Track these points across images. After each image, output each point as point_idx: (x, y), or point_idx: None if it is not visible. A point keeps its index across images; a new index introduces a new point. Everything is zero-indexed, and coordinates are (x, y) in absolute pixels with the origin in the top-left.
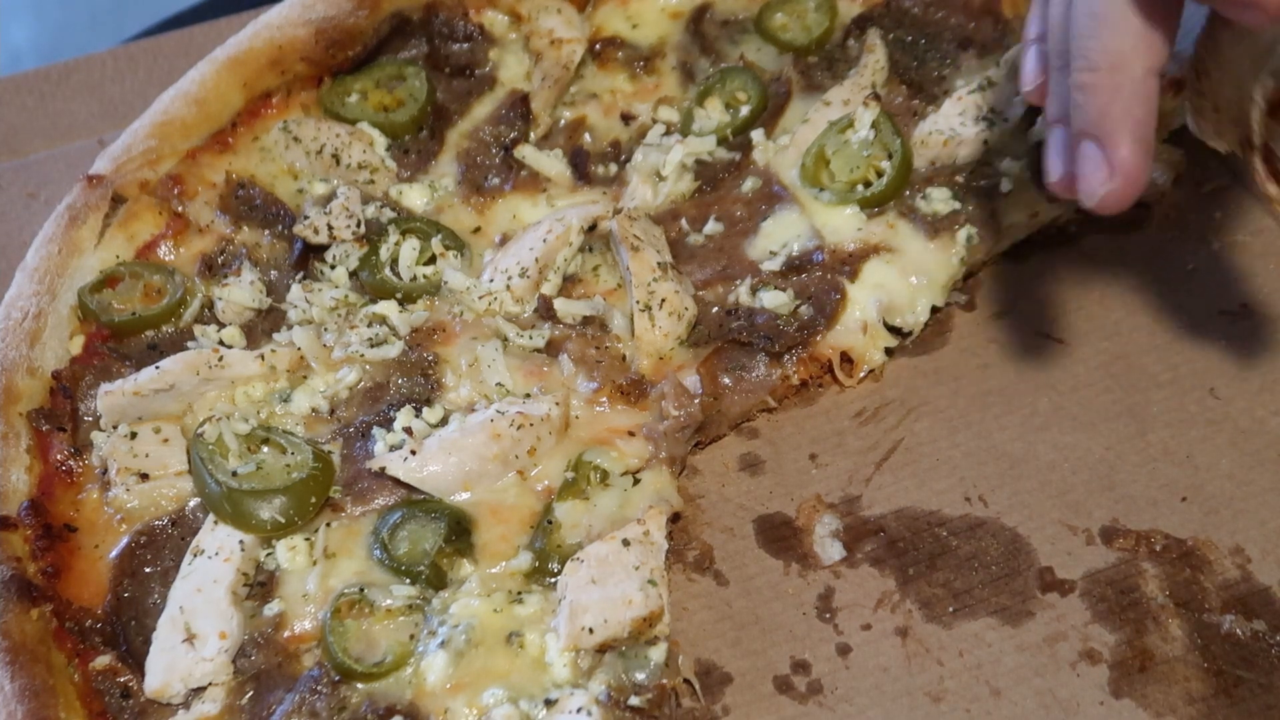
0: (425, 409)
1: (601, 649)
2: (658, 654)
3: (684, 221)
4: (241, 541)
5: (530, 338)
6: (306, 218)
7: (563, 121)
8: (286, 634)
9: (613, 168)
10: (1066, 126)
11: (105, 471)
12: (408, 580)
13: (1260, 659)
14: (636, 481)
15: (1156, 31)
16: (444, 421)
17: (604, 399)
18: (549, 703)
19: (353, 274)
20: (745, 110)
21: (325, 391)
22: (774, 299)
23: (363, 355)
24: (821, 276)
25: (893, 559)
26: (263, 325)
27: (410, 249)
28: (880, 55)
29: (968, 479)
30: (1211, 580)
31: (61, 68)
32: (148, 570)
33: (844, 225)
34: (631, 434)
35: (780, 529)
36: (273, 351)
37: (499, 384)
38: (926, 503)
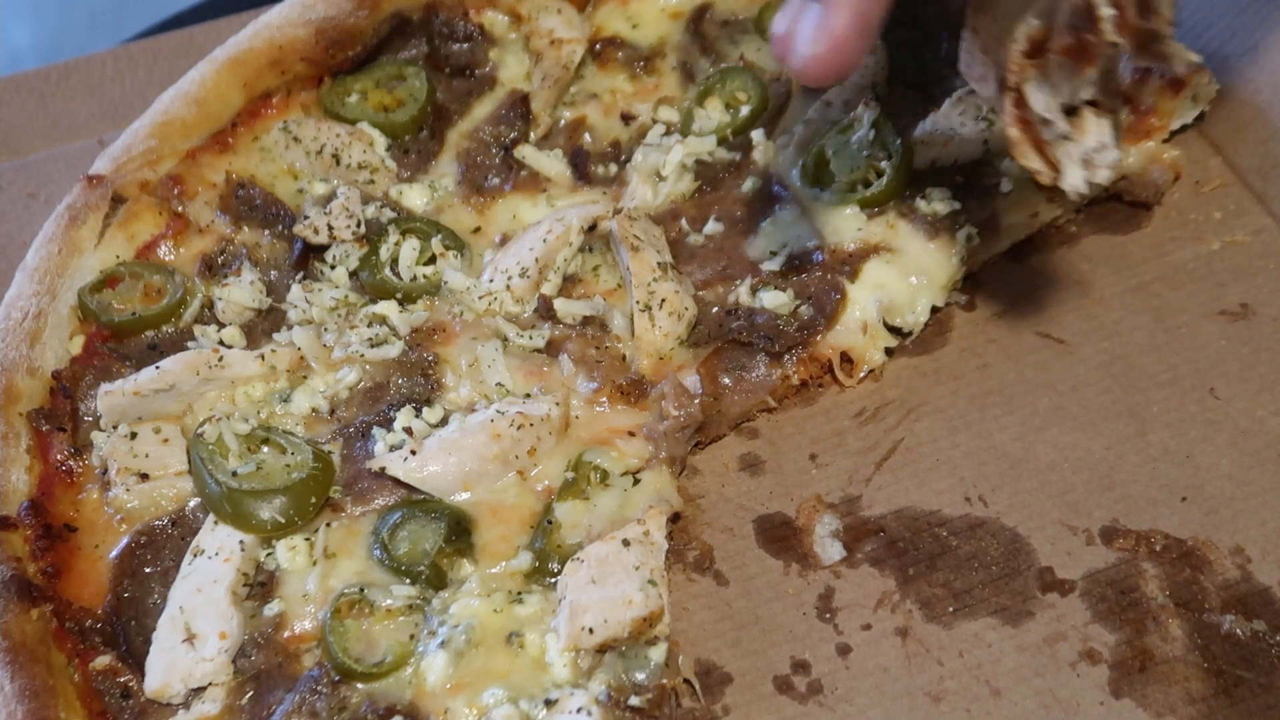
0: (425, 409)
1: (601, 649)
2: (658, 654)
3: (684, 221)
4: (241, 541)
5: (530, 338)
6: (306, 218)
7: (563, 121)
8: (286, 634)
9: (613, 168)
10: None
11: (105, 471)
12: (408, 580)
13: (1260, 659)
14: (636, 481)
15: None
16: (444, 421)
17: (604, 399)
18: (549, 703)
19: (353, 274)
20: (745, 110)
21: (325, 391)
22: (774, 299)
23: (363, 355)
24: (821, 276)
25: (893, 559)
26: (263, 325)
27: (410, 249)
28: (880, 55)
29: (968, 479)
30: (1211, 580)
31: (62, 68)
32: (148, 570)
33: (844, 225)
34: (631, 434)
35: (780, 529)
36: (273, 351)
37: (499, 384)
38: (926, 503)
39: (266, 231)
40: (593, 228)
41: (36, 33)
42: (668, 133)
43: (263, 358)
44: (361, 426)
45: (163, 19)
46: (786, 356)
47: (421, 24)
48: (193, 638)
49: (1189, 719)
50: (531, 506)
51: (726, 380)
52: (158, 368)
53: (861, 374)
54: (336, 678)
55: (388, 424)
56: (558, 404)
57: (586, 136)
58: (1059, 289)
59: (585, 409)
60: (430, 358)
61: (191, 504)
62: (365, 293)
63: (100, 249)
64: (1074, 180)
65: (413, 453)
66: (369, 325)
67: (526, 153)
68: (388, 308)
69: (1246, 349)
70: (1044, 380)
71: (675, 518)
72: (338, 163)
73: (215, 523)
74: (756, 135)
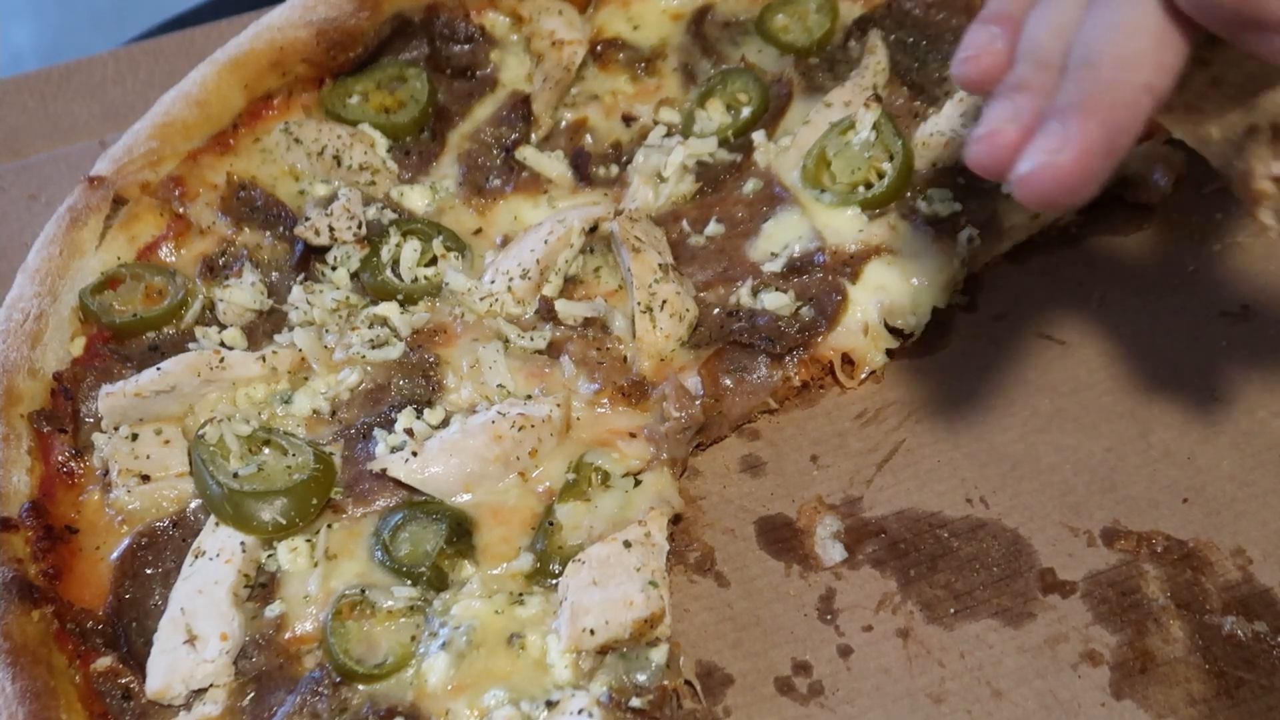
0: (426, 410)
1: (603, 650)
2: (659, 655)
3: (685, 223)
4: (243, 543)
5: (531, 339)
6: (308, 219)
7: (564, 123)
8: (288, 635)
9: (614, 169)
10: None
11: (106, 473)
12: (409, 581)
13: (1262, 660)
14: (638, 483)
15: (1166, 56)
16: (445, 423)
17: (605, 400)
18: (550, 704)
19: (354, 275)
20: (746, 111)
21: (326, 393)
22: (775, 300)
23: (364, 356)
24: (823, 278)
25: (894, 560)
26: (264, 327)
27: (411, 250)
28: (881, 56)
29: (969, 480)
30: (1213, 581)
31: (63, 69)
32: (149, 572)
33: (845, 226)
34: (633, 435)
35: (781, 530)
36: (274, 353)
37: (500, 385)
38: (928, 504)
39: (268, 233)
40: (594, 229)
41: (37, 34)
42: (669, 134)
43: (264, 359)
44: (363, 428)
45: (163, 20)
46: (788, 358)
47: (423, 25)
48: (194, 639)
49: None
50: (533, 508)
51: (728, 382)
52: (159, 369)
53: (863, 375)
54: (338, 679)
55: (389, 425)
56: (559, 405)
57: (588, 138)
58: (1060, 290)
59: (586, 410)
60: (431, 359)
61: (193, 505)
62: (366, 294)
63: (101, 250)
64: None
65: (414, 454)
66: (370, 326)
67: (528, 154)
68: (389, 309)
69: (1248, 350)
70: (1045, 382)
71: (676, 519)
72: (339, 164)
73: (216, 524)
74: (758, 136)
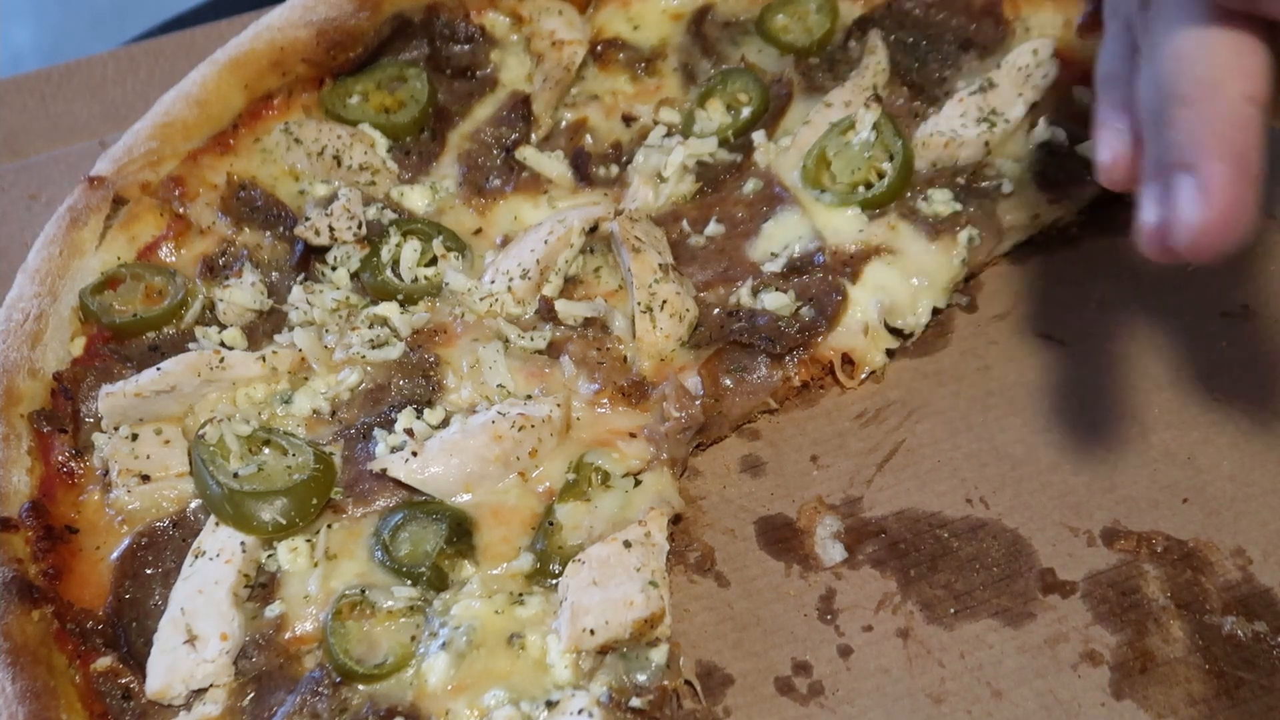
0: (426, 410)
1: (603, 650)
2: (659, 655)
3: (685, 223)
4: (243, 543)
5: (531, 339)
6: (308, 219)
7: (564, 123)
8: (288, 635)
9: (614, 169)
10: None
11: (106, 473)
12: (409, 582)
13: (1262, 660)
14: (638, 483)
15: (1248, 57)
16: (445, 423)
17: (605, 400)
18: (550, 704)
19: (354, 275)
20: (746, 112)
21: (326, 393)
22: (775, 300)
23: (364, 356)
24: (823, 278)
25: (894, 560)
26: (264, 327)
27: (411, 250)
28: (881, 57)
29: (969, 480)
30: (1213, 582)
31: (63, 69)
32: (149, 572)
33: (845, 227)
34: (633, 435)
35: (781, 530)
36: (274, 353)
37: (500, 385)
38: (928, 504)
39: (268, 233)
40: (594, 229)
41: (38, 34)
42: (669, 134)
43: (264, 359)
44: (363, 428)
45: (164, 20)
46: (788, 358)
47: (423, 25)
48: (194, 639)
49: None
50: (533, 508)
51: (728, 382)
52: (159, 369)
53: (863, 375)
54: (338, 679)
55: (389, 425)
56: (559, 405)
57: (588, 138)
58: (1060, 290)
59: (586, 410)
60: (431, 359)
61: (193, 505)
62: (366, 294)
63: (101, 250)
64: None
65: (414, 454)
66: (370, 327)
67: (528, 154)
68: (389, 309)
69: (1248, 350)
70: (1045, 382)
71: (676, 519)
72: (339, 164)
73: (216, 524)
74: (758, 136)
